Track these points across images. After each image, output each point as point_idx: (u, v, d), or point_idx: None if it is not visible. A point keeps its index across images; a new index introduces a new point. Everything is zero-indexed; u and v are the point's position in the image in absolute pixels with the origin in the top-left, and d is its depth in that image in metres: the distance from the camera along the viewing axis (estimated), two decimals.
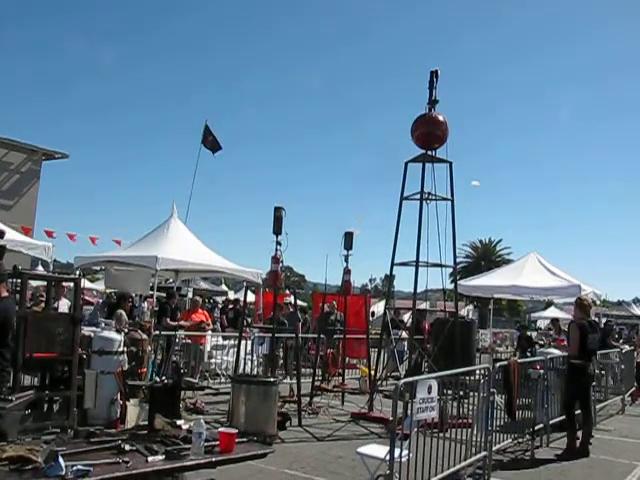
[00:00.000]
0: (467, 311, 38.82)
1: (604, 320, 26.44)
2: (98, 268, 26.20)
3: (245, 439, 4.70)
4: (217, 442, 4.38)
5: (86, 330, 10.23)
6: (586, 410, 9.82)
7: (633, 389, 16.15)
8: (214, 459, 4.21)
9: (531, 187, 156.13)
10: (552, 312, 43.24)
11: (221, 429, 4.61)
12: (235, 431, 4.52)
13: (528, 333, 21.37)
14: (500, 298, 26.05)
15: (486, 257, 65.93)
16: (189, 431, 4.57)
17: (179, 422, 4.91)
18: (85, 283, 33.71)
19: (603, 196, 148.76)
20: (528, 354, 14.89)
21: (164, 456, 4.05)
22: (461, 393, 9.16)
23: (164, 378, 7.11)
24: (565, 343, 10.14)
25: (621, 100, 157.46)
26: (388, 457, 5.84)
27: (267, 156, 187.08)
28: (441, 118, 11.56)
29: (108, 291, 22.20)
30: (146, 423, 5.09)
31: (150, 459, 3.97)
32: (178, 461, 4.06)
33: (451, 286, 14.73)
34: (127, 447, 4.10)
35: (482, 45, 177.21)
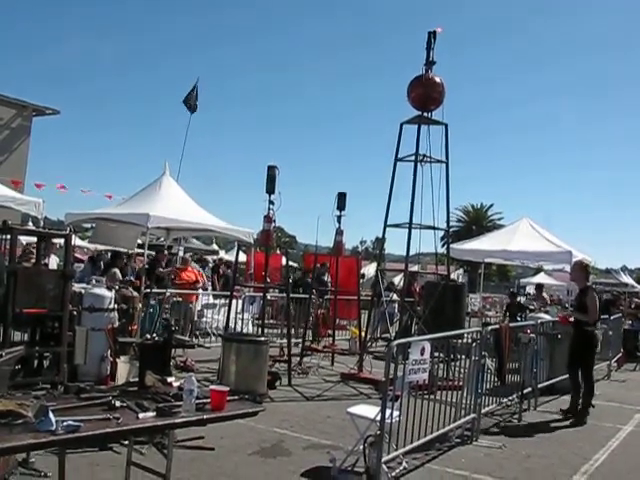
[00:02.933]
0: (457, 275, 38.92)
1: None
2: (89, 226, 26.07)
3: (236, 397, 4.67)
4: (208, 400, 4.35)
5: (77, 287, 10.20)
6: (591, 377, 9.82)
7: (619, 355, 16.28)
8: (205, 416, 4.17)
9: (523, 154, 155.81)
10: (541, 278, 43.40)
11: (212, 387, 4.57)
12: (227, 389, 4.48)
13: (518, 299, 21.48)
14: (490, 263, 26.10)
15: (477, 222, 66.05)
16: (180, 388, 4.54)
17: (170, 379, 4.88)
18: (76, 240, 33.69)
19: (593, 164, 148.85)
20: (519, 319, 14.94)
21: (155, 413, 4.02)
22: (450, 356, 9.21)
23: (155, 335, 7.08)
24: (572, 319, 9.94)
25: (623, 70, 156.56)
26: (378, 417, 5.84)
27: (262, 117, 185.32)
28: (438, 80, 11.44)
29: (100, 248, 22.08)
30: (137, 380, 5.05)
31: (141, 416, 3.94)
32: (169, 418, 4.02)
33: (442, 249, 14.72)
34: (118, 403, 4.06)
35: (486, 10, 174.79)
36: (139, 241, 18.22)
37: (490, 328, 9.01)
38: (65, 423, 3.52)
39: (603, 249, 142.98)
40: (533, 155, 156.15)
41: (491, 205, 68.72)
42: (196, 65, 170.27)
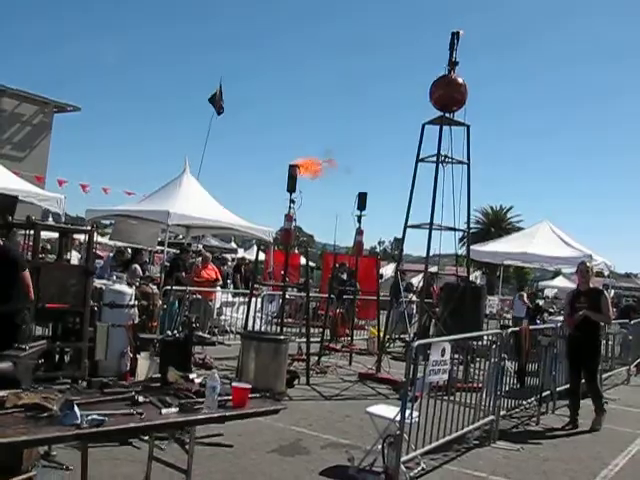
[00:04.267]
0: (475, 277, 38.80)
1: (612, 292, 26.43)
2: (108, 222, 26.23)
3: (257, 395, 4.69)
4: (229, 397, 4.37)
5: (97, 283, 10.26)
6: (597, 381, 9.72)
7: (639, 360, 16.16)
8: (227, 413, 4.21)
9: (543, 157, 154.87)
10: (560, 281, 43.23)
11: (235, 384, 4.60)
12: (249, 386, 4.51)
13: (536, 301, 21.39)
14: (508, 266, 26.01)
15: (496, 224, 65.58)
16: (202, 385, 4.57)
17: (192, 376, 4.91)
18: (96, 237, 33.86)
19: (613, 169, 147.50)
20: (538, 322, 14.87)
21: (177, 409, 4.05)
22: (469, 357, 9.19)
23: (176, 332, 7.11)
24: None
25: None
26: (398, 418, 5.85)
27: (282, 115, 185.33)
28: (460, 80, 11.41)
29: (118, 244, 22.17)
30: (158, 376, 5.08)
31: (164, 411, 3.97)
32: (192, 414, 4.05)
33: (461, 251, 14.67)
34: (141, 399, 4.10)
35: (514, 9, 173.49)
36: (159, 238, 18.33)
37: (510, 330, 8.98)
38: (90, 417, 3.56)
39: (622, 253, 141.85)
40: (553, 158, 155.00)
41: (510, 207, 68.25)
42: (218, 63, 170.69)
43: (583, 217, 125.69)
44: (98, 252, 28.47)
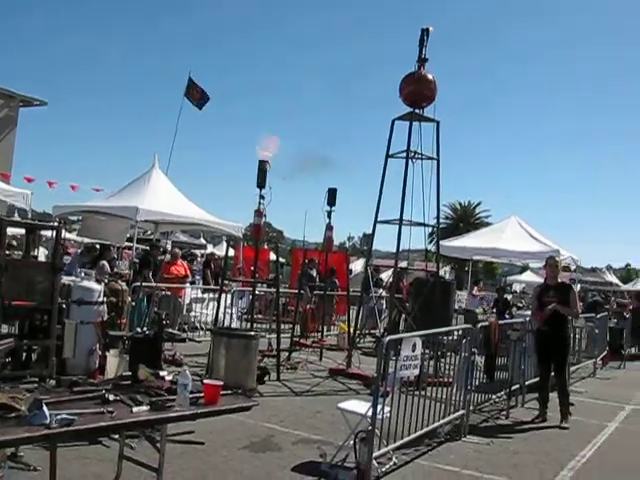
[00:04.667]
0: (444, 272, 39.06)
1: (579, 286, 26.75)
2: (75, 218, 25.97)
3: (229, 392, 4.67)
4: (201, 394, 4.34)
5: (66, 279, 10.14)
6: (566, 377, 9.79)
7: (605, 353, 16.39)
8: (199, 411, 4.17)
9: (510, 153, 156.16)
10: (527, 276, 43.79)
11: (206, 381, 4.57)
12: (220, 383, 4.49)
13: (504, 296, 21.61)
14: (477, 261, 26.16)
15: (465, 219, 66.07)
16: (173, 382, 4.53)
17: (162, 373, 4.87)
18: (64, 233, 33.48)
19: (579, 163, 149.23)
20: (507, 316, 15.02)
21: (149, 407, 4.01)
22: (439, 352, 9.23)
23: (145, 329, 7.05)
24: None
25: (618, 66, 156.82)
26: (370, 413, 5.85)
27: (254, 111, 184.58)
28: (430, 77, 11.43)
29: (87, 241, 21.96)
30: (128, 374, 5.03)
31: (135, 410, 3.93)
32: (163, 412, 4.02)
33: (431, 246, 14.75)
34: (111, 397, 4.05)
35: (479, 7, 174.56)
36: (128, 234, 18.18)
37: (480, 325, 9.04)
38: (59, 417, 3.51)
39: (588, 247, 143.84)
40: (520, 154, 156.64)
41: (479, 203, 68.77)
42: (186, 59, 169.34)
43: (550, 211, 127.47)
44: (66, 248, 28.21)
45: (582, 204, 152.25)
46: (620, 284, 51.41)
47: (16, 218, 13.22)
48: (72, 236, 31.48)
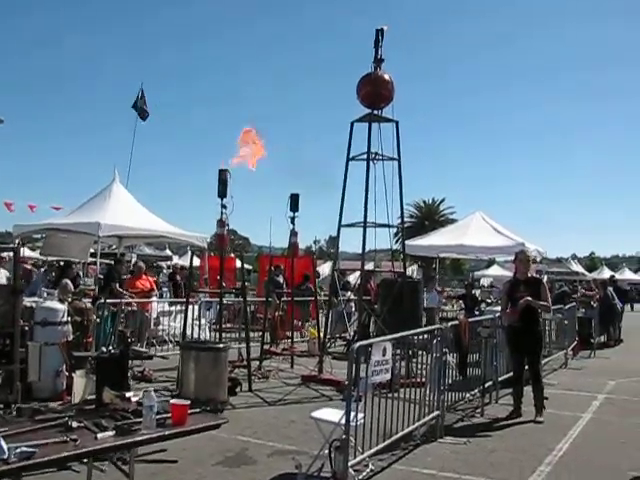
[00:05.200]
0: (412, 271, 39.11)
1: (545, 277, 26.97)
2: (39, 236, 25.60)
3: (198, 409, 4.55)
4: (169, 414, 4.22)
5: (27, 301, 9.93)
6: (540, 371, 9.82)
7: (575, 343, 16.50)
8: (167, 432, 4.05)
9: (471, 146, 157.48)
10: (494, 270, 44.07)
11: (173, 401, 4.44)
12: (187, 402, 4.36)
13: (473, 292, 21.65)
14: (444, 257, 26.29)
15: (430, 217, 66.50)
16: (139, 404, 4.41)
17: (128, 394, 4.73)
18: (25, 252, 32.94)
19: (541, 154, 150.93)
20: (476, 312, 15.04)
21: (114, 432, 3.88)
22: (410, 352, 9.18)
23: (110, 348, 6.90)
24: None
25: (570, 50, 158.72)
26: (343, 421, 5.77)
27: (210, 120, 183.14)
28: (387, 77, 11.39)
29: (50, 259, 21.63)
30: (94, 397, 4.89)
31: (100, 436, 3.80)
32: (129, 436, 3.89)
33: (397, 245, 14.74)
34: (74, 424, 3.91)
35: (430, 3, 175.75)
36: (92, 250, 17.92)
37: (450, 324, 9.01)
38: (18, 450, 3.36)
39: (553, 239, 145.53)
40: (479, 148, 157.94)
41: (442, 200, 69.33)
42: (139, 69, 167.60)
43: (513, 204, 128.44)
44: (28, 267, 27.74)
45: (544, 195, 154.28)
46: (586, 273, 51.91)
47: None
48: (35, 254, 31.05)
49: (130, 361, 8.55)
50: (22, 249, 31.64)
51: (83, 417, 4.11)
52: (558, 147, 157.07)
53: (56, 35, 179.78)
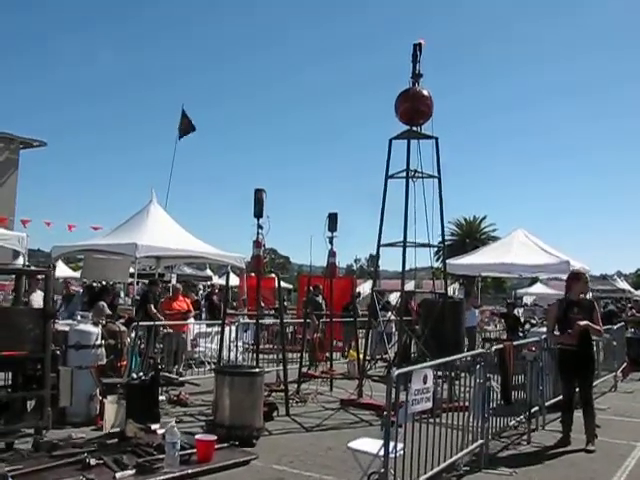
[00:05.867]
0: (453, 289, 38.58)
1: (590, 295, 26.27)
2: (82, 257, 25.88)
3: (226, 444, 4.29)
4: (194, 450, 3.98)
5: (61, 324, 9.84)
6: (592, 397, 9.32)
7: (624, 365, 15.92)
8: (190, 471, 3.81)
9: (513, 163, 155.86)
10: (538, 288, 43.18)
11: (198, 436, 4.20)
12: (214, 438, 4.12)
13: (515, 311, 21.14)
14: (485, 275, 25.79)
15: (471, 235, 65.67)
16: (165, 436, 4.16)
17: (154, 426, 4.51)
18: (68, 272, 33.23)
19: (581, 170, 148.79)
20: (520, 334, 14.59)
21: (134, 470, 3.64)
22: (452, 374, 8.82)
23: (141, 374, 6.70)
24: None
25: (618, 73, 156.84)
26: (381, 452, 5.46)
27: (248, 140, 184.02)
28: (425, 92, 11.13)
29: (89, 281, 21.73)
30: (116, 430, 4.67)
31: (118, 475, 3.57)
32: (150, 475, 3.65)
33: (437, 264, 14.40)
34: (93, 461, 3.69)
35: (471, 18, 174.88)
36: (131, 270, 17.92)
37: (494, 348, 8.62)
38: None
39: (595, 254, 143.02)
40: (522, 164, 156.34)
41: (484, 217, 68.41)
42: (178, 91, 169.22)
43: (553, 221, 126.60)
44: (72, 288, 27.98)
45: (585, 211, 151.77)
46: (633, 290, 50.71)
47: (19, 262, 13.04)
48: (78, 274, 31.31)
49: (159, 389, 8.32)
50: (65, 268, 31.82)
51: (104, 452, 3.89)
52: (600, 162, 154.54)
53: (91, 52, 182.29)
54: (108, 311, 11.17)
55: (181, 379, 10.77)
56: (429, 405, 6.08)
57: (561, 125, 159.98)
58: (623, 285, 50.60)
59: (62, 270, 32.46)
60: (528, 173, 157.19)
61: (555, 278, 31.96)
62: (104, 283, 16.20)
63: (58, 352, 8.32)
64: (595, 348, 9.31)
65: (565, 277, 9.98)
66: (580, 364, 8.80)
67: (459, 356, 8.15)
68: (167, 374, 8.67)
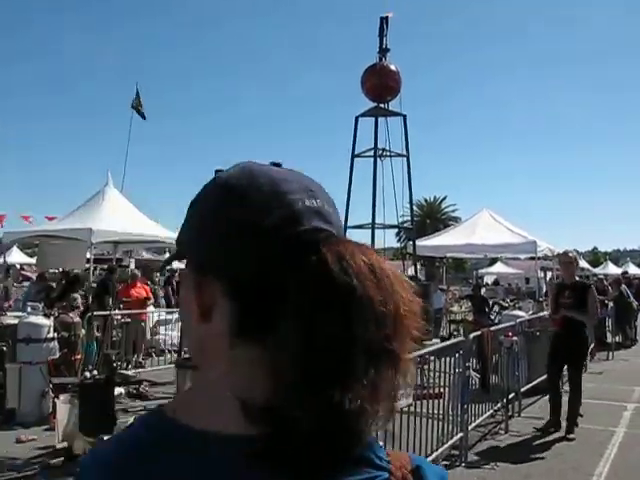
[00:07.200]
0: (415, 271, 38.40)
1: (549, 274, 26.39)
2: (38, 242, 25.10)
3: None
4: None
5: (9, 316, 9.23)
6: (581, 383, 9.01)
7: (592, 345, 15.74)
8: None
9: (468, 142, 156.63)
10: (498, 267, 43.29)
11: None
12: None
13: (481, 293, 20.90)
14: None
15: (431, 215, 65.75)
16: None
17: (107, 437, 3.98)
18: (23, 258, 32.25)
19: (529, 149, 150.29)
20: (491, 316, 14.28)
21: None
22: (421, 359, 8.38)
23: (95, 373, 6.16)
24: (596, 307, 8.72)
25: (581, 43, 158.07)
26: None
27: (209, 123, 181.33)
28: (393, 67, 10.69)
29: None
30: (62, 446, 4.14)
31: None
32: None
33: (398, 245, 14.02)
34: None
35: None
36: (88, 256, 17.26)
37: (473, 335, 8.23)
38: None
39: (553, 233, 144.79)
40: (475, 144, 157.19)
41: (444, 197, 68.55)
42: (133, 72, 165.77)
43: (515, 198, 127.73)
44: (27, 274, 27.10)
45: (540, 189, 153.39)
46: (591, 268, 51.16)
47: None
48: (33, 260, 30.40)
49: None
50: (21, 255, 30.81)
51: (47, 475, 3.36)
52: (554, 140, 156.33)
53: (48, 37, 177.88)
54: (80, 304, 10.56)
55: (138, 377, 10.17)
56: (409, 401, 5.66)
57: (515, 101, 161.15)
58: (582, 263, 50.94)
59: (18, 256, 31.56)
60: (484, 152, 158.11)
61: (516, 258, 31.98)
62: (76, 272, 15.42)
63: (4, 348, 7.74)
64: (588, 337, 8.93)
65: (524, 257, 9.76)
66: (568, 349, 8.52)
67: (436, 347, 7.71)
68: (123, 372, 8.11)
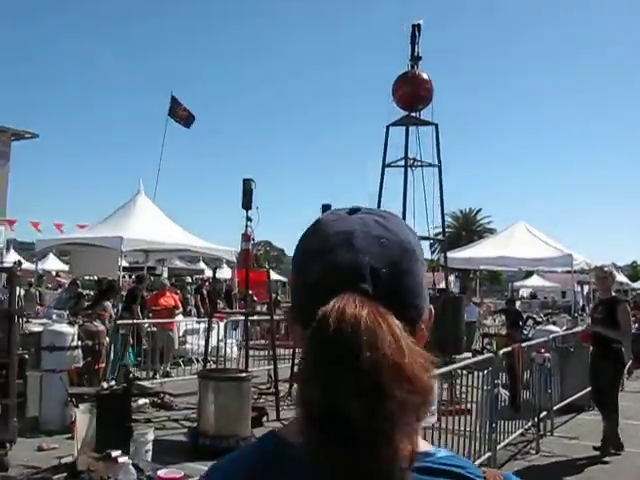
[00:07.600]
0: (449, 282, 38.00)
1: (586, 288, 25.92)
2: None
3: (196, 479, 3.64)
4: None
5: (34, 324, 9.20)
6: (617, 401, 8.68)
7: (630, 362, 15.33)
8: None
9: (505, 157, 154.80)
10: (535, 280, 42.61)
11: (160, 473, 3.55)
12: (180, 474, 3.46)
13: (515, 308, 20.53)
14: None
15: (467, 227, 65.22)
16: (136, 466, 3.52)
17: (115, 453, 3.85)
18: (60, 265, 32.53)
19: (572, 165, 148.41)
20: (524, 332, 13.97)
21: None
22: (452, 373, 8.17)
23: (113, 383, 6.06)
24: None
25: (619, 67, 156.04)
26: None
27: (240, 130, 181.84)
28: (425, 76, 10.52)
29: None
30: (67, 461, 4.02)
31: None
32: None
33: (434, 256, 13.80)
34: None
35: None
36: (119, 263, 17.30)
37: (502, 352, 7.97)
38: None
39: (591, 247, 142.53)
40: (515, 159, 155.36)
41: (479, 210, 67.92)
42: (170, 83, 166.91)
43: (553, 213, 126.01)
44: (63, 280, 27.30)
45: (580, 202, 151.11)
46: (630, 283, 50.21)
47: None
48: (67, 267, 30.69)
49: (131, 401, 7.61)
50: (57, 262, 31.07)
51: None
52: (592, 154, 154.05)
53: (83, 51, 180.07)
54: (112, 312, 10.52)
55: (158, 388, 10.06)
56: (434, 420, 5.45)
57: (553, 121, 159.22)
58: (621, 277, 50.09)
59: (54, 263, 31.90)
60: (525, 168, 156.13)
61: (552, 271, 31.49)
62: (110, 279, 15.42)
63: (27, 356, 7.68)
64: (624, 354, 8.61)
65: (561, 270, 9.51)
66: (600, 366, 8.22)
67: (465, 363, 7.49)
68: (141, 383, 8.00)
